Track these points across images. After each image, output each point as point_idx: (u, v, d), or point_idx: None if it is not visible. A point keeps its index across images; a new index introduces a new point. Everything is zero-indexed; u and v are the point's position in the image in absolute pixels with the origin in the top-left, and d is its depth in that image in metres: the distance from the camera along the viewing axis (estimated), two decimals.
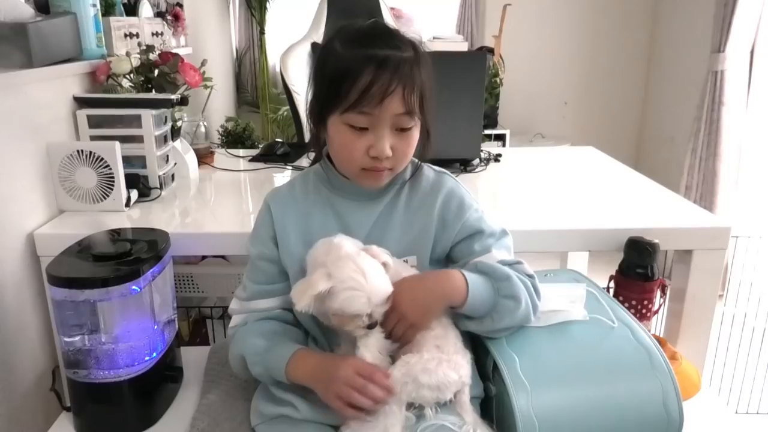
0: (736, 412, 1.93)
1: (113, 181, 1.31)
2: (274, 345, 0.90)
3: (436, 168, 1.01)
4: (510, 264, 0.92)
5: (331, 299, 0.81)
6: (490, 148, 1.89)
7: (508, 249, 0.96)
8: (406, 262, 0.94)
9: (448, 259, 0.98)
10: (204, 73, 1.62)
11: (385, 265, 0.84)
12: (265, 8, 3.64)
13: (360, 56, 0.83)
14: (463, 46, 3.42)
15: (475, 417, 0.87)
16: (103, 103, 1.40)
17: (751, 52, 2.62)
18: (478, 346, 0.94)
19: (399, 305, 0.85)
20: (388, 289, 0.83)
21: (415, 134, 0.89)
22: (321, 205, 0.96)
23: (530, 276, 0.92)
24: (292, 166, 1.75)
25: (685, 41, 3.27)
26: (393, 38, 0.87)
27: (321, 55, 0.90)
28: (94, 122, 1.38)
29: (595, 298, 1.01)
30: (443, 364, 0.84)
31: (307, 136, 2.28)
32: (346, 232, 0.94)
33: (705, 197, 2.75)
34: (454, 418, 0.85)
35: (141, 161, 1.41)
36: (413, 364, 0.83)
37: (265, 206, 0.98)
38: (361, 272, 0.81)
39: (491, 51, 3.27)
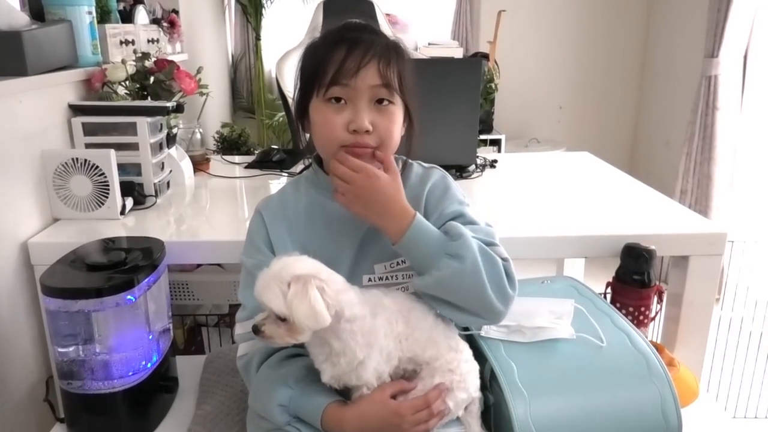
0: (734, 417, 1.93)
1: (108, 189, 1.31)
2: (300, 395, 0.85)
3: (426, 164, 1.01)
4: (484, 244, 0.86)
5: None
6: (486, 153, 1.89)
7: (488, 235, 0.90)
8: (404, 262, 0.93)
9: None
10: (200, 80, 1.62)
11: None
12: (261, 14, 3.65)
13: (335, 39, 0.87)
14: (458, 52, 3.43)
15: (481, 429, 0.88)
16: (98, 111, 1.40)
17: (744, 57, 2.63)
18: (476, 354, 0.93)
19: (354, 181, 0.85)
20: (268, 300, 0.74)
21: (396, 112, 0.89)
22: (313, 210, 0.95)
23: (504, 259, 0.87)
24: (288, 172, 1.75)
25: (678, 46, 3.29)
26: (369, 28, 0.90)
27: (303, 56, 0.92)
28: (89, 130, 1.38)
29: (584, 315, 0.99)
30: (453, 386, 0.84)
31: (303, 142, 2.28)
32: (340, 235, 0.93)
33: (700, 201, 2.76)
34: (457, 429, 0.86)
35: (136, 169, 1.40)
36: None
37: (257, 215, 0.96)
38: (280, 263, 0.77)
39: (486, 57, 3.28)
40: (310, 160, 1.00)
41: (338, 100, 0.86)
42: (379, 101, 0.87)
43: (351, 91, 0.85)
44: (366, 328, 0.80)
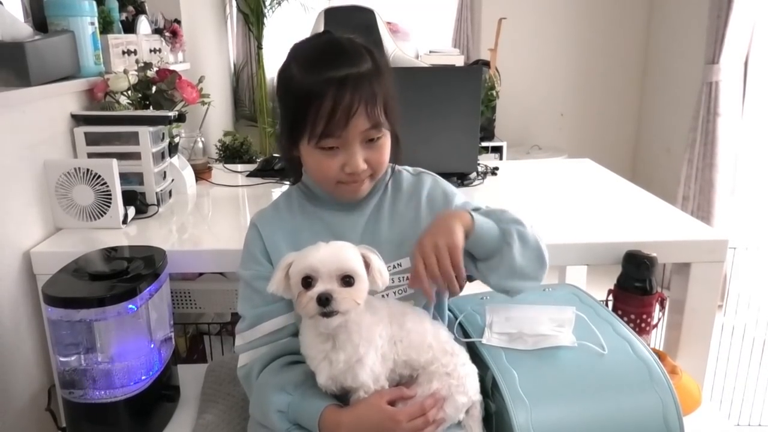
0: (737, 425, 1.92)
1: (110, 199, 1.31)
2: (298, 400, 0.85)
3: (412, 169, 1.03)
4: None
5: (292, 267, 0.80)
6: (487, 161, 1.89)
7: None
8: (400, 265, 0.94)
9: None
10: (201, 89, 1.63)
11: (364, 256, 0.81)
12: (263, 23, 3.67)
13: (319, 81, 0.84)
14: (459, 60, 3.44)
15: None
16: (100, 121, 1.41)
17: (745, 63, 2.64)
18: (478, 362, 0.93)
19: (427, 237, 0.85)
20: (347, 260, 0.78)
21: (386, 142, 0.91)
22: (309, 219, 0.96)
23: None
24: (290, 181, 1.75)
25: (679, 53, 3.29)
26: (348, 53, 0.86)
27: (281, 80, 0.90)
28: (91, 139, 1.38)
29: (585, 323, 0.99)
30: (452, 390, 0.85)
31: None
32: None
33: (702, 207, 2.76)
34: None
35: (138, 178, 1.41)
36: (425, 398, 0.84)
37: (252, 227, 0.97)
38: (325, 242, 0.80)
39: (487, 64, 3.29)
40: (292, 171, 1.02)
41: (331, 148, 0.87)
42: (370, 140, 0.88)
43: (342, 140, 0.86)
44: (365, 322, 0.81)
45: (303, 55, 0.89)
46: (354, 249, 0.81)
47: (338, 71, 0.83)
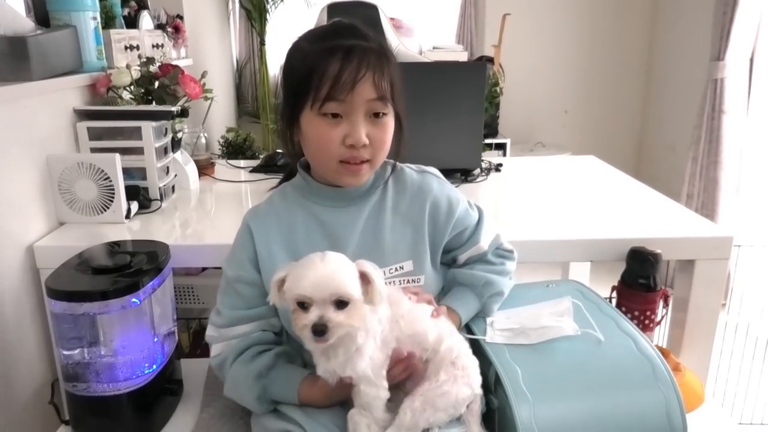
0: (740, 423, 1.91)
1: (113, 193, 1.31)
2: (272, 381, 0.91)
3: (416, 168, 1.01)
4: (493, 249, 1.02)
5: (286, 286, 0.78)
6: (491, 157, 1.89)
7: (487, 228, 1.01)
8: (402, 268, 0.94)
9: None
10: (204, 84, 1.63)
11: (362, 274, 0.79)
12: (266, 19, 3.66)
13: (327, 48, 0.84)
14: (463, 56, 3.43)
15: (481, 429, 0.87)
16: (103, 116, 1.41)
17: (751, 60, 2.62)
18: (480, 358, 0.93)
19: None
20: (341, 285, 0.76)
21: (390, 123, 0.89)
22: (304, 216, 0.94)
23: (509, 251, 1.04)
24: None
25: (684, 49, 3.28)
26: (357, 31, 0.87)
27: (288, 57, 0.90)
28: (94, 134, 1.38)
29: (587, 319, 0.98)
30: (458, 382, 0.84)
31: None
32: (333, 241, 0.93)
33: (706, 205, 2.75)
34: (458, 429, 0.86)
35: (141, 173, 1.41)
36: (432, 390, 0.84)
37: (244, 227, 0.95)
38: (320, 257, 0.78)
39: (491, 60, 3.28)
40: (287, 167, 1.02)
41: (334, 115, 0.85)
42: (375, 114, 0.86)
43: (347, 106, 0.84)
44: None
45: (312, 33, 0.90)
46: (350, 267, 0.78)
47: (347, 41, 0.84)
